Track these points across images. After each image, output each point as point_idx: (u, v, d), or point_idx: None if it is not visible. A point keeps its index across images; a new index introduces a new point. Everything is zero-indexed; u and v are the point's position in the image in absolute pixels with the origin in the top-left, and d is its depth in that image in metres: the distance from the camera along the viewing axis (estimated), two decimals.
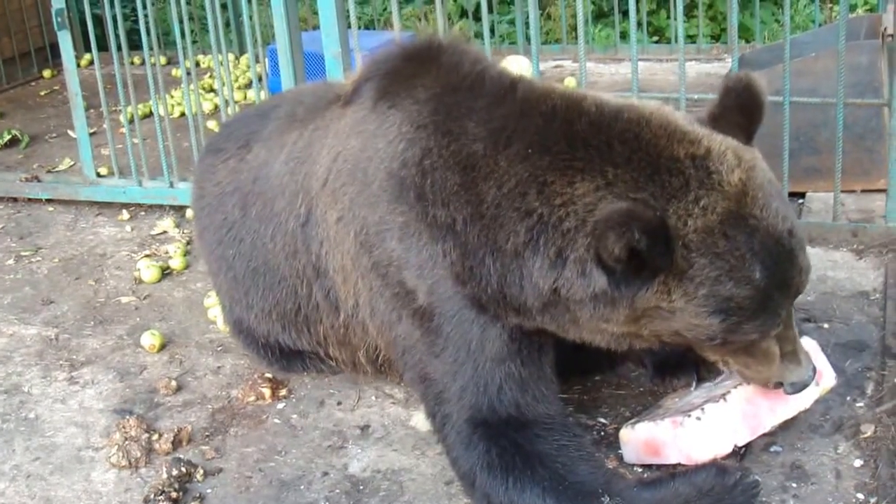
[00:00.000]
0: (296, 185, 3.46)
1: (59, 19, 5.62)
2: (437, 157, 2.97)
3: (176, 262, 4.99)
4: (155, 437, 3.51)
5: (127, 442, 3.45)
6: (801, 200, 5.02)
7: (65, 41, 5.70)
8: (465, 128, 2.97)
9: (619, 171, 2.68)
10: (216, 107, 7.32)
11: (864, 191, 4.97)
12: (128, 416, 3.61)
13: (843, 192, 4.58)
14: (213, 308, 4.36)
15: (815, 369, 2.94)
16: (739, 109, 2.85)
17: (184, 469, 3.28)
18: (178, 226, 5.52)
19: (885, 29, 4.56)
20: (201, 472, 3.31)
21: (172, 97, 7.72)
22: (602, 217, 2.57)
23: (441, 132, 3.00)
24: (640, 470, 3.13)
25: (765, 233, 2.62)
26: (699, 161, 2.66)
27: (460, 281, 2.93)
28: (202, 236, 4.02)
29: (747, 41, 8.63)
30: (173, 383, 3.87)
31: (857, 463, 3.05)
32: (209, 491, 3.26)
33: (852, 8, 9.29)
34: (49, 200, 6.06)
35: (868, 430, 3.17)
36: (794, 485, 2.99)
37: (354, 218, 3.18)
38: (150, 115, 6.86)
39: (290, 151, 3.55)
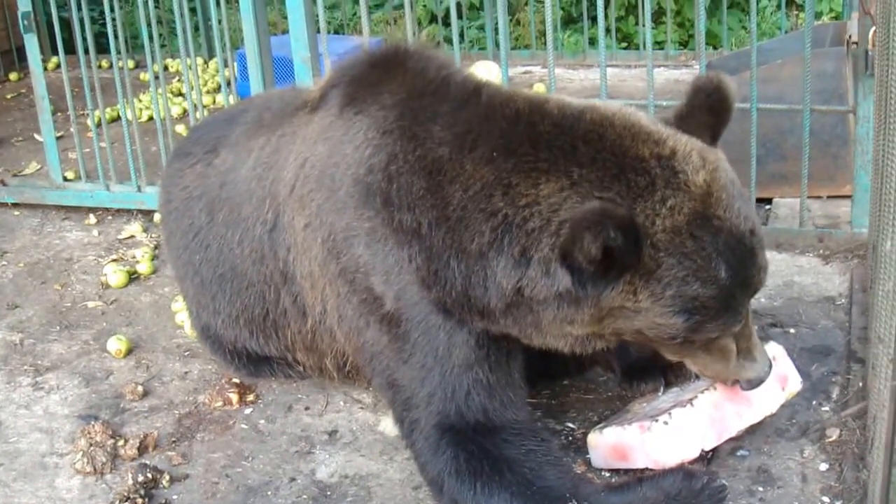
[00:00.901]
0: (263, 191, 3.45)
1: (26, 22, 5.58)
2: (402, 162, 2.98)
3: (143, 267, 4.95)
4: (120, 442, 3.48)
5: (92, 448, 3.42)
6: (768, 206, 5.05)
7: (31, 44, 5.66)
8: (431, 132, 2.97)
9: (584, 171, 2.70)
10: (185, 111, 7.27)
11: (830, 197, 5.01)
12: (93, 422, 3.58)
13: (809, 197, 4.62)
14: (181, 313, 4.33)
15: (770, 364, 2.96)
16: (708, 109, 2.87)
17: (150, 475, 3.25)
18: (145, 230, 5.49)
19: (850, 36, 4.60)
20: (167, 477, 3.29)
21: (140, 101, 7.67)
22: (576, 217, 2.57)
23: (407, 137, 3.00)
24: (607, 474, 3.14)
25: (728, 233, 2.65)
26: (665, 161, 2.68)
27: (426, 285, 2.94)
28: (169, 241, 4.00)
29: (715, 48, 8.70)
30: (139, 388, 3.85)
31: (823, 466, 3.07)
32: (175, 497, 3.23)
33: (818, 16, 9.39)
34: (15, 204, 6.00)
35: (833, 433, 3.19)
36: (761, 488, 3.01)
37: (322, 224, 3.18)
38: (117, 118, 6.82)
39: (258, 157, 3.54)
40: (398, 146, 3.00)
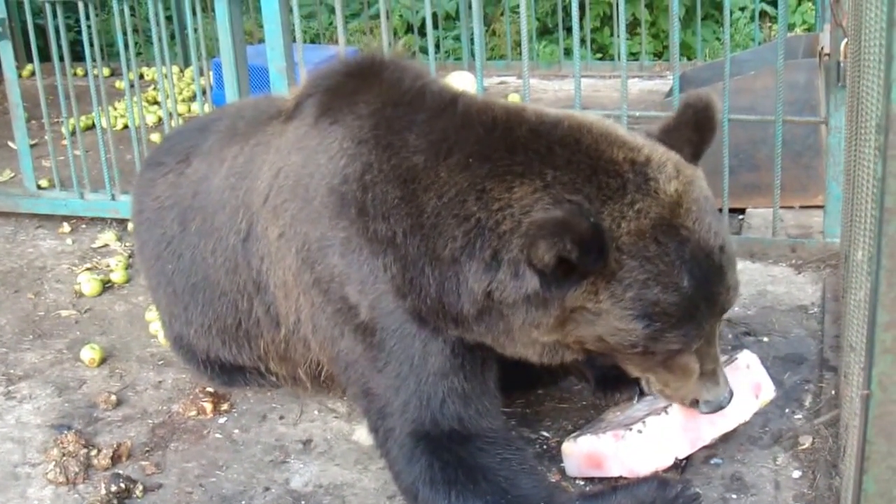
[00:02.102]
0: (236, 201, 3.44)
1: (0, 29, 5.54)
2: (377, 171, 2.98)
3: (117, 276, 4.93)
4: (94, 452, 3.45)
5: (65, 458, 3.40)
6: (741, 216, 5.09)
7: (5, 51, 5.62)
8: (406, 140, 2.98)
9: (557, 174, 2.71)
10: (160, 119, 7.26)
11: (802, 207, 5.06)
12: (66, 432, 3.55)
13: (782, 208, 4.65)
14: (155, 322, 4.31)
15: (731, 392, 2.95)
16: (694, 126, 2.89)
17: (123, 485, 3.23)
18: (119, 239, 5.46)
19: (823, 48, 4.64)
20: (141, 487, 3.27)
21: (116, 109, 7.65)
22: (535, 223, 2.59)
23: (382, 146, 3.00)
24: (582, 483, 3.15)
25: (696, 244, 2.66)
26: (638, 167, 2.70)
27: (401, 294, 2.94)
28: (142, 251, 3.98)
29: (689, 59, 8.76)
30: (113, 398, 3.82)
31: (796, 474, 3.09)
32: None
33: (791, 27, 9.48)
34: None
35: (806, 441, 3.22)
36: (734, 496, 3.02)
37: (296, 234, 3.17)
38: (92, 126, 6.79)
39: (231, 166, 3.53)
40: (373, 155, 3.00)
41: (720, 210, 4.61)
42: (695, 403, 2.93)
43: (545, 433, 3.44)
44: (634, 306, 2.63)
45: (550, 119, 2.89)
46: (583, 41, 8.22)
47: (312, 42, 9.53)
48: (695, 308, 2.67)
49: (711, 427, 3.08)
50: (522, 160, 2.77)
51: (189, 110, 7.42)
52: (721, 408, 2.94)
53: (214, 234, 3.52)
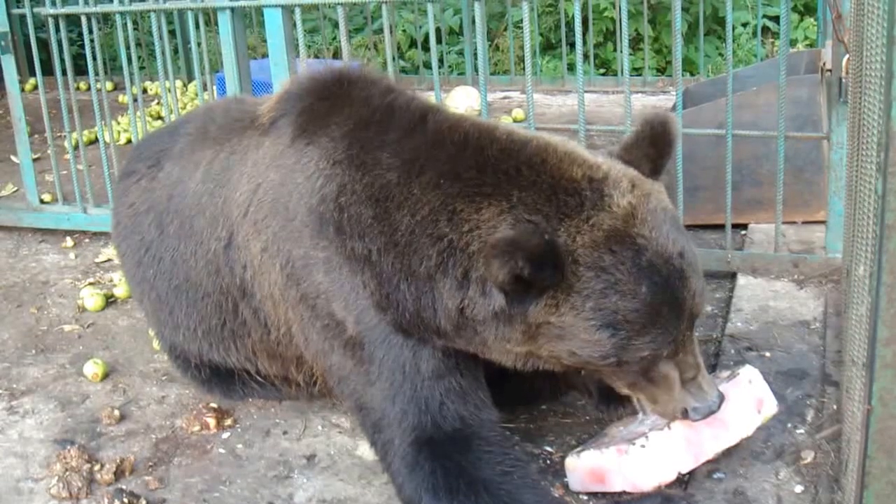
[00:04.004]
0: (215, 209, 3.47)
1: (3, 43, 5.57)
2: (351, 192, 3.04)
3: (120, 290, 4.94)
4: (97, 467, 3.45)
5: (68, 473, 3.40)
6: (743, 232, 5.10)
7: (8, 65, 5.65)
8: (379, 160, 3.04)
9: (522, 194, 2.78)
10: None
11: (804, 222, 5.06)
12: (69, 447, 3.55)
13: (784, 223, 4.65)
14: None
15: (721, 396, 2.96)
16: (652, 141, 2.99)
17: (126, 500, 3.23)
18: None
19: (824, 64, 4.65)
20: (144, 502, 3.26)
21: (119, 123, 7.67)
22: (489, 244, 2.66)
23: (355, 166, 3.07)
24: (585, 498, 3.15)
25: (653, 252, 2.71)
26: (596, 184, 2.78)
27: (381, 308, 2.99)
28: (123, 264, 4.01)
29: (692, 74, 8.79)
30: (116, 413, 3.83)
31: (798, 489, 3.08)
32: None
33: (793, 43, 9.50)
34: None
35: (808, 456, 3.21)
36: None
37: (279, 251, 3.21)
38: (95, 141, 6.82)
39: (207, 171, 3.56)
40: (347, 176, 3.06)
41: (723, 225, 4.65)
42: (685, 413, 2.93)
43: (548, 448, 3.44)
44: (595, 316, 2.68)
45: (520, 138, 2.97)
46: (586, 57, 8.23)
47: (316, 57, 9.57)
48: (657, 314, 2.71)
49: (714, 442, 3.08)
50: (492, 181, 2.84)
51: None
52: (712, 412, 2.93)
53: (194, 237, 3.55)
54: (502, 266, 2.57)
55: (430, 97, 6.14)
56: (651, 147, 2.98)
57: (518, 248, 2.56)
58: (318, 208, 3.09)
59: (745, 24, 9.96)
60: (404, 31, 10.47)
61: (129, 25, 5.38)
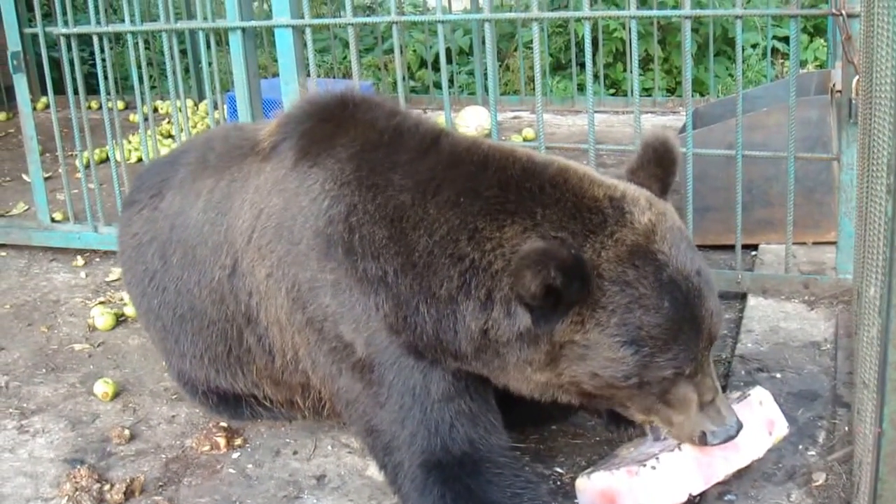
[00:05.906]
0: (218, 237, 3.47)
1: (15, 62, 5.60)
2: (362, 212, 3.04)
3: (131, 310, 4.93)
4: (107, 487, 3.45)
5: (77, 492, 3.40)
6: (753, 252, 5.09)
7: (20, 84, 5.68)
8: (391, 181, 3.04)
9: (546, 212, 2.81)
10: None
11: (815, 243, 5.05)
12: (79, 466, 3.56)
13: (794, 244, 4.64)
14: None
15: (739, 422, 2.95)
16: (657, 162, 3.06)
17: None
18: None
19: (834, 85, 4.65)
20: None
21: (130, 142, 7.70)
22: (520, 255, 2.67)
23: (365, 187, 3.07)
24: None
25: (673, 268, 2.74)
26: (616, 202, 2.82)
27: (395, 331, 2.98)
28: (130, 292, 4.03)
29: (702, 95, 8.79)
30: (126, 432, 3.83)
31: None
32: None
33: (803, 64, 9.50)
34: (2, 245, 6.01)
35: (820, 478, 3.20)
36: None
37: (284, 276, 3.21)
38: (106, 160, 6.84)
39: (209, 200, 3.56)
40: (357, 196, 3.06)
41: (733, 246, 4.65)
42: (703, 437, 2.92)
43: (559, 469, 3.43)
44: (620, 332, 2.69)
45: (542, 159, 3.01)
46: (596, 77, 8.25)
47: (327, 76, 9.60)
48: (679, 330, 2.73)
49: (725, 463, 3.07)
50: (515, 198, 2.86)
51: None
52: (730, 437, 2.93)
53: (197, 266, 3.55)
54: (535, 277, 2.58)
55: (440, 117, 6.17)
56: (657, 167, 3.04)
57: (550, 257, 2.58)
58: (325, 230, 3.08)
59: (754, 45, 9.96)
60: (415, 51, 10.51)
61: (141, 45, 5.40)
